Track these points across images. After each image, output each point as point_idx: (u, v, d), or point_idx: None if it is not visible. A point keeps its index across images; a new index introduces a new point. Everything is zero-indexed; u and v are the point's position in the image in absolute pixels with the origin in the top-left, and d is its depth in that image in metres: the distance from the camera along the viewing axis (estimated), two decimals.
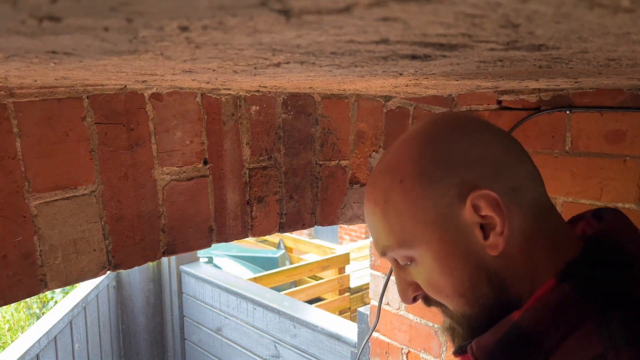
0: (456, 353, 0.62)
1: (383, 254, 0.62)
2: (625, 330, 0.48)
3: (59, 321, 3.25)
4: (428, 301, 0.63)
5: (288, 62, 0.49)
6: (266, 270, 5.53)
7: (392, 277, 1.39)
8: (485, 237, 0.55)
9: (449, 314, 0.62)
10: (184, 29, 0.30)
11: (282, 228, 1.11)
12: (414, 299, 0.63)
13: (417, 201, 0.57)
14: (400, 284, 0.63)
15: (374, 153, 1.26)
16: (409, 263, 0.61)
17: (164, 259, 4.43)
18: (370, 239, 0.98)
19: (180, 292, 4.24)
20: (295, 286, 5.34)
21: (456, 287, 0.57)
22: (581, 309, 0.50)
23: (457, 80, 0.82)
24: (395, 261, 0.63)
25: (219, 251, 6.32)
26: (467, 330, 0.60)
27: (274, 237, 7.56)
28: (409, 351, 1.57)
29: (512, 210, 0.55)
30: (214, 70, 0.58)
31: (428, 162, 0.57)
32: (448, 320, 0.63)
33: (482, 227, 0.55)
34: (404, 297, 0.63)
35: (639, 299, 0.50)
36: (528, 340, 0.52)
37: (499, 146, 0.58)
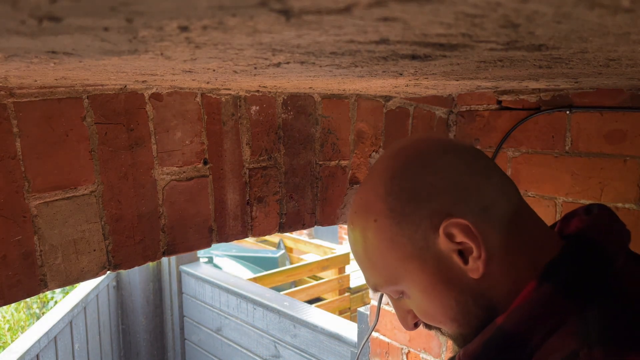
0: None
1: (375, 290, 0.64)
2: (600, 327, 0.49)
3: (59, 321, 3.24)
4: (428, 325, 0.65)
5: (288, 62, 0.49)
6: (266, 270, 5.53)
7: None
8: (465, 262, 0.56)
9: (448, 336, 0.64)
10: (184, 29, 0.30)
11: (282, 228, 1.11)
12: (415, 325, 0.66)
13: (393, 238, 0.58)
14: (399, 313, 0.66)
15: (374, 153, 1.26)
16: (401, 296, 0.63)
17: (164, 259, 4.43)
18: None
19: (180, 292, 4.23)
20: (295, 286, 5.34)
21: (446, 313, 0.59)
22: (562, 307, 0.51)
23: (457, 80, 0.82)
24: (389, 294, 0.65)
25: (219, 251, 6.32)
26: None
27: (274, 237, 7.56)
28: (409, 351, 1.57)
29: (486, 231, 0.56)
30: (214, 70, 0.58)
31: (395, 198, 0.58)
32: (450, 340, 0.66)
33: (461, 253, 0.56)
34: (405, 325, 0.66)
35: (617, 294, 0.51)
36: (512, 341, 0.53)
37: (462, 168, 0.58)
